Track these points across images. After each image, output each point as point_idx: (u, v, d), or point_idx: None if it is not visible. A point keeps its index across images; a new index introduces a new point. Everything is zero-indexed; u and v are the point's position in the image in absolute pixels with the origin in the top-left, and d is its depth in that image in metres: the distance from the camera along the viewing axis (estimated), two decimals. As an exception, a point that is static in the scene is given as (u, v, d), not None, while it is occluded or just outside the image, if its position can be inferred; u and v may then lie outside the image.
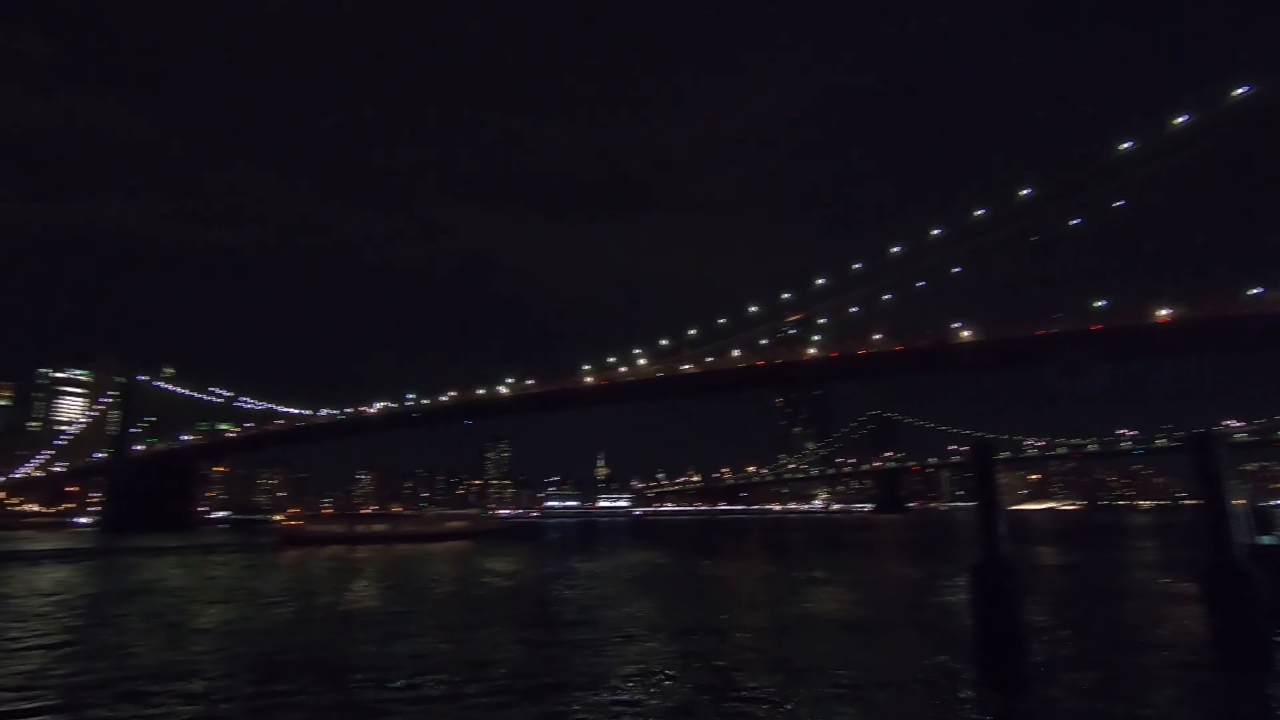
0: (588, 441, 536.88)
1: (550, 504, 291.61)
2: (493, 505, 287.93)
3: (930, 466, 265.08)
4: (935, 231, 74.07)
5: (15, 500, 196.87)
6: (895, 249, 78.12)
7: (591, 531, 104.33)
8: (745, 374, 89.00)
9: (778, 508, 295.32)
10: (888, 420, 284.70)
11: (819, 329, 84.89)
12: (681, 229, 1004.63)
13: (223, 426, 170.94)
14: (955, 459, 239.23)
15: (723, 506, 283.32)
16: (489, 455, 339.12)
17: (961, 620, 15.62)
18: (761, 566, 41.30)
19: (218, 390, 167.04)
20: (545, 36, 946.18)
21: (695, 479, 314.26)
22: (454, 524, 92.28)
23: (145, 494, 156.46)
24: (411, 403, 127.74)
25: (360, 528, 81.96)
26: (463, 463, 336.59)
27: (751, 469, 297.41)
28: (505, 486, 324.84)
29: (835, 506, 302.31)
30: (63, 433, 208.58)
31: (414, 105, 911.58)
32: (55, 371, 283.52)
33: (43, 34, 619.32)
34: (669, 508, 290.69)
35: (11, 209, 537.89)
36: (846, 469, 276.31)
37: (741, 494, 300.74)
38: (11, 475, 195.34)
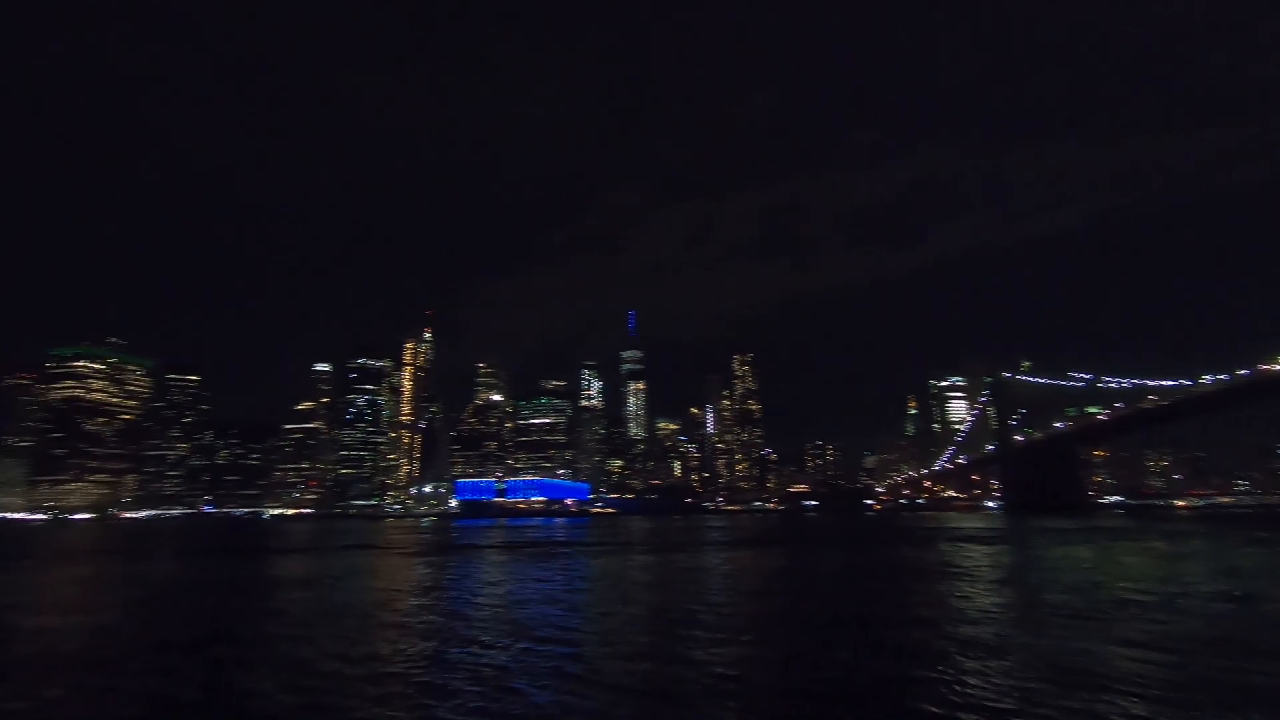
0: None
1: None
2: None
3: None
4: None
5: (938, 488, 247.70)
6: None
7: None
8: None
9: None
10: None
11: None
12: None
13: (1091, 410, 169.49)
14: None
15: None
16: None
17: None
18: None
19: (1077, 375, 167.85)
20: None
21: None
22: None
23: (1033, 480, 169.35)
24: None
25: None
26: None
27: None
28: None
29: None
30: (956, 431, 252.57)
31: None
32: (938, 381, 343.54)
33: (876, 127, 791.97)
34: None
35: (877, 260, 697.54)
36: None
37: None
38: (932, 468, 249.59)
